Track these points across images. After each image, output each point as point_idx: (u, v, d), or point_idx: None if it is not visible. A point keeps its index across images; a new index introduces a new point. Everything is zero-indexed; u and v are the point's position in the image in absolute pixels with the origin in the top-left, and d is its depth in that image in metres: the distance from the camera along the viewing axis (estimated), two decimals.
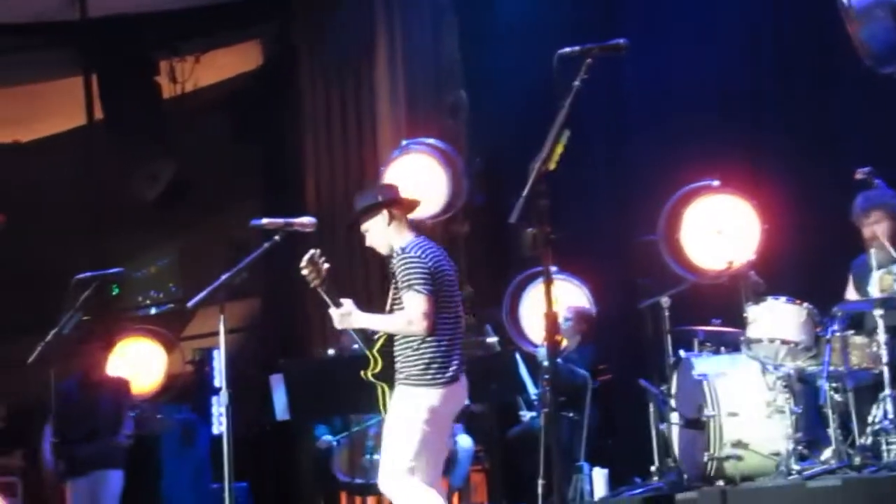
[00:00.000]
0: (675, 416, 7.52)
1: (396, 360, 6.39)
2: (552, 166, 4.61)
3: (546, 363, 7.57)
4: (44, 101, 13.83)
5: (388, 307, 6.51)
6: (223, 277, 6.26)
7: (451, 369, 6.36)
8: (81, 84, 12.73)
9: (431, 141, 10.51)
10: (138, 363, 9.80)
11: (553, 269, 4.69)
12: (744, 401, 7.29)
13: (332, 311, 6.43)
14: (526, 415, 9.20)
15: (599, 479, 8.18)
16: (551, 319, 4.66)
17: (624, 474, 8.44)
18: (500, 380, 8.70)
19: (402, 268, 6.37)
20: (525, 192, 4.56)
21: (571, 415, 8.39)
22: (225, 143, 13.05)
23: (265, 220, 6.46)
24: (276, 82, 12.44)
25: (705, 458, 7.23)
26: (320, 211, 11.08)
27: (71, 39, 12.57)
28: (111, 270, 8.08)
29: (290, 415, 8.58)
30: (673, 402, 7.61)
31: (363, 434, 8.71)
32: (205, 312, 9.52)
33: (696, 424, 7.32)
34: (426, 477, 6.32)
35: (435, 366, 6.32)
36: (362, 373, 6.47)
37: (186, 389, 10.83)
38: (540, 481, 7.29)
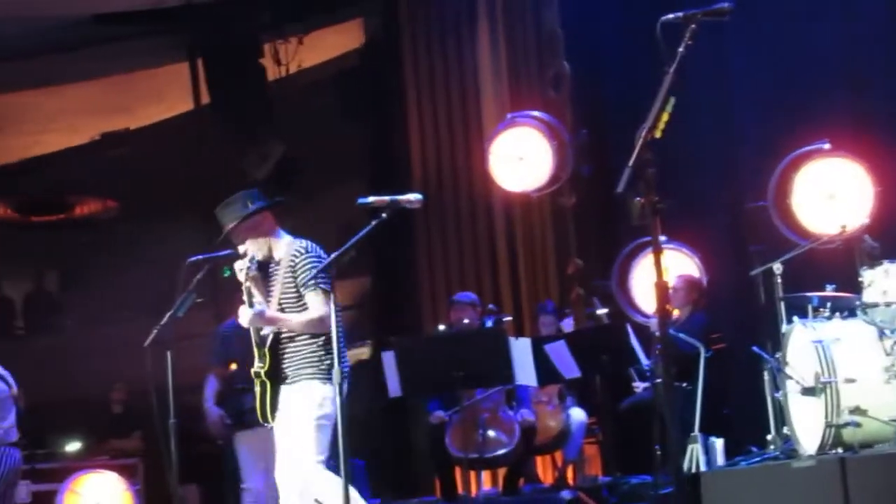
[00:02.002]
0: (790, 384, 7.40)
1: (294, 357, 6.47)
2: (658, 134, 4.56)
3: (657, 333, 7.51)
4: (151, 88, 14.03)
5: (274, 308, 6.55)
6: (332, 256, 6.30)
7: (348, 361, 6.50)
8: (188, 69, 12.90)
9: (536, 113, 10.47)
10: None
11: (662, 238, 4.63)
12: (861, 366, 7.15)
13: (243, 308, 6.47)
14: (638, 386, 9.14)
15: (715, 448, 8.10)
16: (662, 289, 4.61)
17: (740, 443, 8.35)
18: (612, 351, 8.66)
19: (306, 266, 6.47)
20: (631, 162, 4.52)
21: (685, 385, 8.31)
22: (331, 121, 13.13)
23: (372, 198, 6.47)
24: (380, 60, 12.48)
25: (822, 426, 7.12)
26: (426, 187, 11.11)
27: (176, 26, 12.73)
28: (223, 252, 8.16)
29: (403, 391, 8.63)
30: (788, 370, 7.49)
31: (476, 409, 8.73)
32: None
33: (812, 391, 7.20)
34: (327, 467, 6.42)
35: (341, 358, 6.37)
36: (252, 371, 6.53)
37: None
38: (655, 452, 7.25)
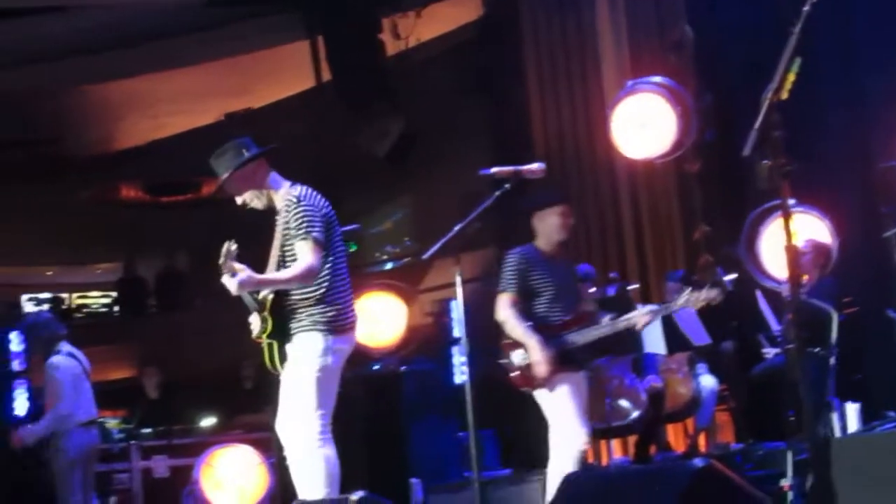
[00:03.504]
0: None
1: (294, 312, 6.37)
2: (784, 95, 4.48)
3: (788, 298, 7.40)
4: (272, 67, 14.18)
5: (274, 262, 6.44)
6: (456, 228, 6.30)
7: (353, 312, 6.45)
8: (308, 47, 12.99)
9: (657, 79, 10.33)
10: (379, 317, 9.98)
11: (791, 201, 4.56)
12: None
13: (226, 278, 6.31)
14: (768, 352, 9.02)
15: (851, 414, 7.97)
16: (791, 253, 4.54)
17: (876, 408, 8.20)
18: (741, 318, 8.56)
19: (297, 215, 6.34)
20: (758, 124, 4.44)
21: (817, 350, 8.18)
22: (450, 94, 13.14)
23: (494, 169, 6.45)
24: (498, 31, 12.43)
25: None
26: (548, 157, 11.05)
27: (296, 4, 12.83)
28: (347, 227, 8.21)
29: None
30: None
31: (602, 378, 8.69)
32: (441, 264, 9.60)
33: None
34: (327, 421, 6.34)
35: (344, 310, 6.39)
36: (256, 337, 6.45)
37: (427, 341, 10.99)
38: (788, 418, 7.15)
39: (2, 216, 16.72)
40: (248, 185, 6.54)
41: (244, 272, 6.27)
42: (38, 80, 13.97)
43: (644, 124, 10.24)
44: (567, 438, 7.08)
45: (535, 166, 6.66)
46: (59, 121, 15.45)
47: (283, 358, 6.41)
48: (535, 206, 7.32)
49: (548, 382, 7.09)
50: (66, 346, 9.36)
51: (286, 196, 6.47)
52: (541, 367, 7.03)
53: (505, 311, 7.18)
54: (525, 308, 7.19)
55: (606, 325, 7.21)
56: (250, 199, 6.59)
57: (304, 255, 6.32)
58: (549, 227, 7.26)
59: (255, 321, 6.45)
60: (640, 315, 7.25)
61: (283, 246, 6.43)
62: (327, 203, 6.53)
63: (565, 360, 7.11)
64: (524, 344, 7.10)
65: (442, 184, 14.01)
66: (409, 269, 13.44)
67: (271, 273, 6.41)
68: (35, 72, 13.62)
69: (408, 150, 12.50)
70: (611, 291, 9.21)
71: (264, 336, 6.42)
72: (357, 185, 13.34)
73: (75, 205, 17.67)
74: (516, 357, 7.19)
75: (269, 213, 6.61)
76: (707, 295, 7.09)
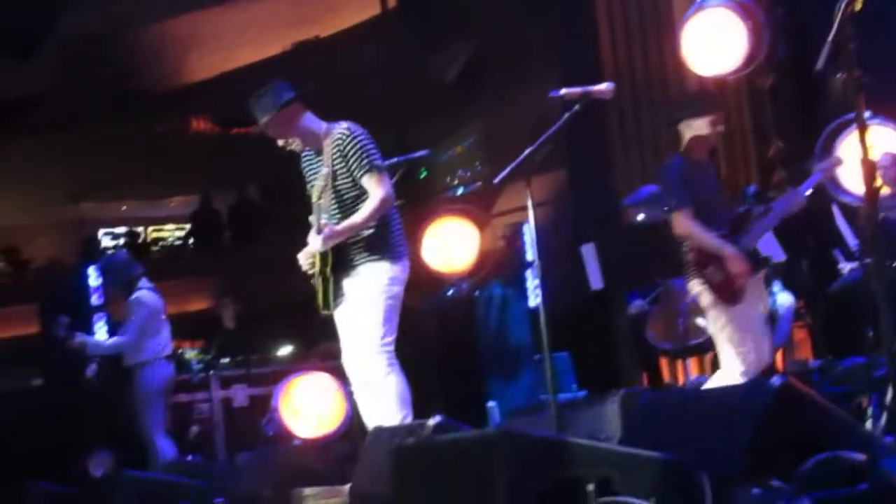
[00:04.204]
0: None
1: (356, 244, 6.36)
2: (858, 6, 4.38)
3: (866, 212, 7.29)
4: None
5: (332, 202, 6.40)
6: (527, 151, 6.26)
7: (405, 241, 6.47)
8: None
9: None
10: (452, 243, 9.97)
11: (866, 114, 4.48)
12: None
13: (312, 236, 6.36)
14: (844, 267, 8.92)
15: None
16: (868, 167, 4.48)
17: None
18: (817, 233, 8.46)
19: (357, 148, 6.32)
20: (831, 37, 4.36)
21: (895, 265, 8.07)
22: (518, 16, 13.02)
23: (564, 91, 6.38)
24: None
25: None
26: (618, 76, 10.95)
27: None
28: (418, 154, 8.20)
29: (604, 284, 8.60)
30: None
31: (676, 297, 8.64)
32: (512, 188, 9.58)
33: None
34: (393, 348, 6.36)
35: (401, 237, 6.43)
36: (311, 274, 6.45)
37: (500, 265, 10.98)
38: (866, 334, 7.07)
39: (76, 153, 16.92)
40: (289, 127, 6.53)
41: (326, 227, 6.32)
42: (110, 18, 14.05)
43: (715, 41, 10.09)
44: (751, 352, 6.86)
45: (604, 86, 6.58)
46: (130, 57, 15.55)
47: (337, 295, 6.45)
48: (684, 115, 7.17)
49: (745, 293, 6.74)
50: (145, 283, 9.54)
51: (334, 133, 6.45)
52: (743, 277, 6.70)
53: (687, 224, 6.81)
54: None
55: (768, 221, 7.01)
56: (291, 140, 6.59)
57: (375, 187, 6.33)
58: (699, 134, 7.07)
59: (305, 258, 6.47)
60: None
61: (336, 183, 6.42)
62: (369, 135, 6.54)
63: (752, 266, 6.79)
64: (720, 255, 6.74)
65: (511, 107, 13.92)
66: (480, 194, 13.43)
67: (350, 219, 6.40)
68: (107, 10, 13.69)
69: (477, 74, 12.43)
70: None
71: (327, 270, 6.44)
72: (427, 111, 13.31)
73: (148, 140, 17.83)
74: (711, 272, 6.80)
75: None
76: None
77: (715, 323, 6.87)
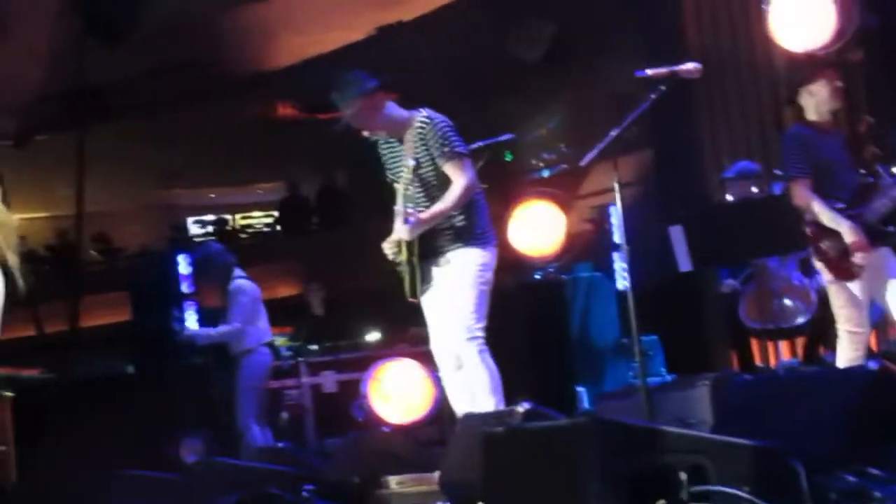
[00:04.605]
0: None
1: (443, 231, 6.35)
2: None
3: None
4: None
5: (418, 190, 6.35)
6: (613, 133, 6.19)
7: (492, 226, 6.44)
8: None
9: None
10: (538, 226, 9.92)
11: None
12: None
13: (398, 225, 6.34)
14: None
15: None
16: None
17: None
18: None
19: (439, 135, 6.27)
20: None
21: None
22: None
23: (650, 71, 6.30)
24: None
25: None
26: (704, 55, 10.79)
27: None
28: (502, 137, 8.17)
29: (693, 264, 8.48)
30: None
31: (769, 277, 8.52)
32: (598, 169, 9.51)
33: None
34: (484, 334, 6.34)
35: (488, 226, 6.41)
36: (398, 261, 6.44)
37: (587, 247, 10.92)
38: None
39: (165, 140, 17.09)
40: (373, 116, 6.51)
41: (412, 215, 6.32)
42: (196, 3, 14.14)
43: (803, 15, 9.92)
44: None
45: (690, 66, 6.49)
46: (217, 42, 15.64)
47: (424, 282, 6.43)
48: (802, 80, 7.01)
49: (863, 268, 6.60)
50: (239, 272, 9.65)
51: (415, 121, 6.43)
52: (860, 251, 6.57)
53: (805, 195, 6.70)
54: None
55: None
56: (374, 128, 6.57)
57: (458, 174, 6.32)
58: (820, 98, 6.90)
59: (390, 246, 6.46)
60: None
61: (419, 171, 6.40)
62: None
63: (872, 239, 6.63)
64: (837, 229, 6.62)
65: (595, 88, 13.81)
66: (565, 176, 13.32)
67: (435, 207, 6.39)
68: None
69: (560, 55, 12.33)
70: (777, 189, 8.99)
71: (413, 259, 6.42)
72: (510, 93, 13.25)
73: (235, 126, 17.95)
74: (828, 246, 6.70)
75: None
76: None
77: (835, 300, 6.75)
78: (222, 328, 9.55)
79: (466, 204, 6.37)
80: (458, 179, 6.32)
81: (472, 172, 6.36)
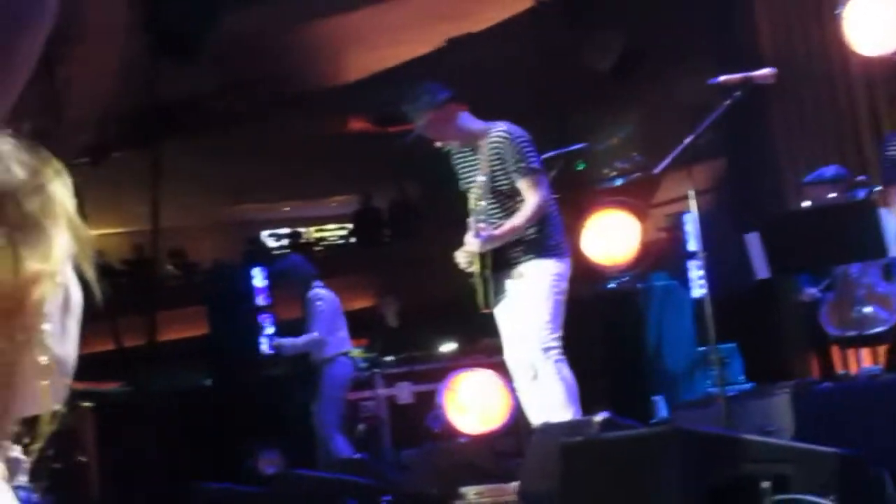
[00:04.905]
0: None
1: (517, 244, 6.33)
2: None
3: None
4: None
5: (491, 204, 6.28)
6: (686, 140, 6.15)
7: (565, 237, 6.46)
8: None
9: None
10: (612, 235, 9.88)
11: None
12: None
13: (470, 238, 6.33)
14: None
15: None
16: None
17: None
18: None
19: (517, 150, 6.25)
20: None
21: None
22: (673, 2, 12.82)
23: (723, 78, 6.26)
24: None
25: None
26: (778, 61, 10.68)
27: None
28: (574, 147, 8.15)
29: (771, 272, 8.40)
30: None
31: (850, 284, 8.41)
32: (672, 177, 9.45)
33: None
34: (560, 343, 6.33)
35: (561, 238, 6.40)
36: (472, 273, 6.38)
37: (662, 255, 10.85)
38: None
39: (239, 154, 17.22)
40: (446, 127, 6.51)
41: (484, 230, 6.32)
42: (264, 19, 14.25)
43: (879, 18, 9.80)
44: None
45: (765, 71, 6.44)
46: (287, 57, 15.74)
47: (497, 293, 6.43)
48: None
49: None
50: (318, 283, 9.74)
51: (492, 134, 6.43)
52: None
53: None
54: None
55: None
56: (447, 139, 6.58)
57: (531, 191, 6.34)
58: None
59: (463, 256, 6.47)
60: None
61: (494, 185, 6.40)
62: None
63: None
64: None
65: (668, 95, 13.73)
66: (639, 185, 13.27)
67: (507, 224, 6.40)
68: (263, 11, 13.88)
69: (633, 63, 12.27)
70: (860, 194, 8.87)
71: (486, 272, 6.43)
72: (582, 102, 13.19)
73: (307, 140, 18.05)
74: None
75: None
76: None
77: None
78: (305, 337, 9.63)
79: (546, 216, 6.39)
80: (532, 197, 6.32)
81: (546, 190, 6.36)
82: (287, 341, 9.85)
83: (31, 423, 1.12)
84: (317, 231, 22.48)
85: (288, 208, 22.53)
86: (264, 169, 18.36)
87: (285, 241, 21.43)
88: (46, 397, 1.10)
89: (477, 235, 6.35)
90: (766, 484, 4.05)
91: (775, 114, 11.22)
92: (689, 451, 4.18)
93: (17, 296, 1.06)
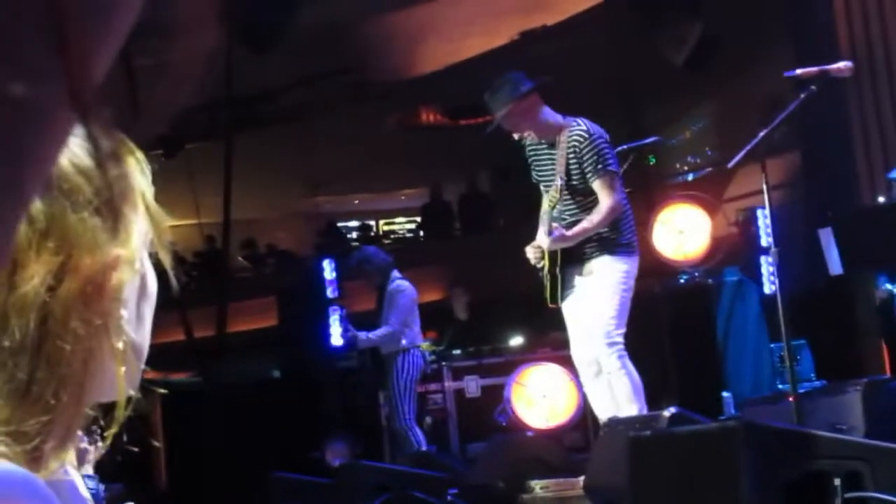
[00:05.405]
0: None
1: (592, 238, 6.32)
2: None
3: None
4: None
5: (568, 202, 6.25)
6: (761, 134, 6.09)
7: (636, 235, 6.44)
8: None
9: None
10: (683, 229, 9.81)
11: None
12: None
13: (542, 236, 6.31)
14: None
15: None
16: None
17: None
18: None
19: (594, 150, 6.22)
20: None
21: None
22: None
23: (799, 70, 6.18)
24: None
25: None
26: (855, 54, 10.57)
27: None
28: (647, 140, 8.09)
29: (844, 269, 8.30)
30: None
31: None
32: (744, 172, 9.37)
33: None
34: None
35: (633, 236, 6.40)
36: (543, 269, 6.40)
37: (734, 251, 10.76)
38: None
39: (311, 147, 17.31)
40: (526, 118, 6.49)
41: (556, 229, 6.32)
42: (341, 11, 14.31)
43: None
44: None
45: (842, 65, 6.35)
46: (361, 49, 15.80)
47: (565, 288, 6.43)
48: None
49: None
50: (396, 274, 9.73)
51: (572, 131, 6.40)
52: None
53: None
54: None
55: None
56: (527, 133, 6.56)
57: (606, 193, 6.32)
58: None
59: (533, 252, 6.47)
60: None
61: (570, 182, 6.39)
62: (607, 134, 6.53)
63: None
64: None
65: (742, 89, 13.62)
66: (711, 179, 13.16)
67: (580, 225, 6.39)
68: (337, 3, 13.94)
69: (707, 56, 12.18)
70: None
71: (556, 269, 6.43)
72: (655, 95, 13.13)
73: (379, 133, 18.11)
74: None
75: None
76: None
77: None
78: (381, 331, 9.61)
79: (622, 215, 6.40)
80: (606, 199, 6.30)
81: (620, 193, 6.34)
82: (363, 334, 9.86)
83: (106, 410, 1.14)
84: (386, 224, 22.55)
85: (358, 201, 22.62)
86: (336, 161, 18.44)
87: (355, 234, 21.51)
88: (122, 383, 1.11)
89: (549, 233, 6.34)
90: (837, 481, 4.01)
91: (851, 108, 11.08)
92: (758, 446, 4.14)
93: (96, 280, 1.07)
